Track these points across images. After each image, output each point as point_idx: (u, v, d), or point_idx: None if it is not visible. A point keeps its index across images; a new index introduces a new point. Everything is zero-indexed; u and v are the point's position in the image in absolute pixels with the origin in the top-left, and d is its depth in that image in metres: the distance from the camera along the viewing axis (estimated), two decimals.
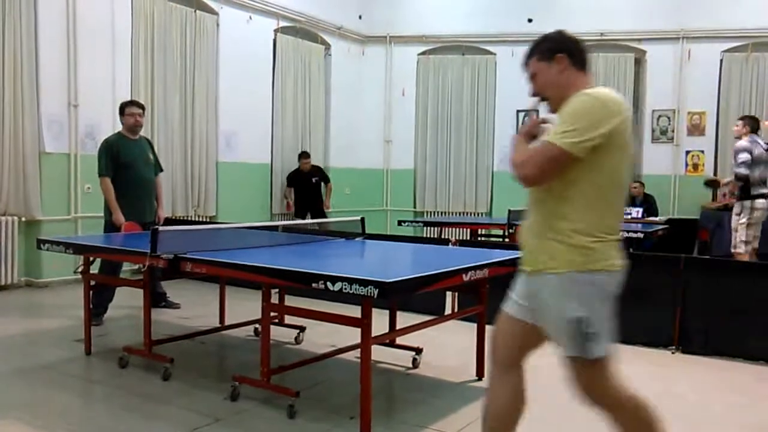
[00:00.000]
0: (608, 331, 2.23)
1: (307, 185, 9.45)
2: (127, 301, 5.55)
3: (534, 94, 2.38)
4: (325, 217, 9.30)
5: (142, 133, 5.72)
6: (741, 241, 6.03)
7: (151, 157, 5.66)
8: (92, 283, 4.51)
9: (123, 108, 5.58)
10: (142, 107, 5.70)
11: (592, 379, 2.30)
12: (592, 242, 2.16)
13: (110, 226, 5.34)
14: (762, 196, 6.10)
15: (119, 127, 7.32)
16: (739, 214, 6.14)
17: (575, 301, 2.16)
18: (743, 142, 6.25)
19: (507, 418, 2.45)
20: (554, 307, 2.21)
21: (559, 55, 2.26)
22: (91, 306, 5.12)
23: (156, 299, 5.61)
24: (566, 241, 2.17)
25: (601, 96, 2.15)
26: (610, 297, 2.24)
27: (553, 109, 2.29)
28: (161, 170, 5.90)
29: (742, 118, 6.67)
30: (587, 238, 2.15)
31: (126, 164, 5.38)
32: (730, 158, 7.06)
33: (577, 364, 2.26)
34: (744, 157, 6.11)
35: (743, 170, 6.09)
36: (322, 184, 9.61)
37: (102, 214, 5.52)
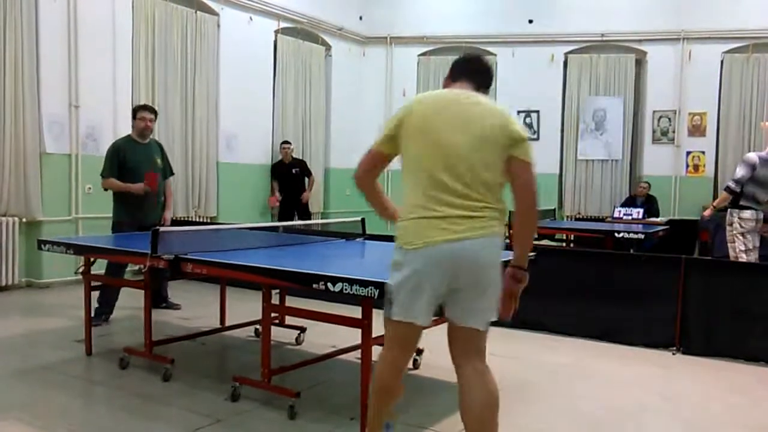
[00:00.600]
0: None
1: (287, 176, 9.25)
2: (128, 302, 5.55)
3: None
4: (310, 214, 9.18)
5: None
6: (741, 251, 5.92)
7: (159, 161, 5.62)
8: (93, 284, 4.51)
9: (135, 111, 5.59)
10: (155, 112, 5.68)
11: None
12: (401, 222, 2.48)
13: (118, 227, 5.35)
14: (749, 208, 5.93)
15: (120, 128, 7.41)
16: (731, 225, 6.05)
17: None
18: (752, 155, 6.10)
19: None
20: None
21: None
22: (97, 306, 5.16)
23: (158, 300, 5.62)
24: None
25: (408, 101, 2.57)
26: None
27: None
28: (172, 174, 5.90)
29: None
30: (401, 220, 2.49)
31: (132, 168, 5.38)
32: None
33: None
34: (741, 174, 5.92)
35: (733, 186, 5.94)
36: (306, 179, 9.42)
37: (110, 215, 5.54)
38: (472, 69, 2.70)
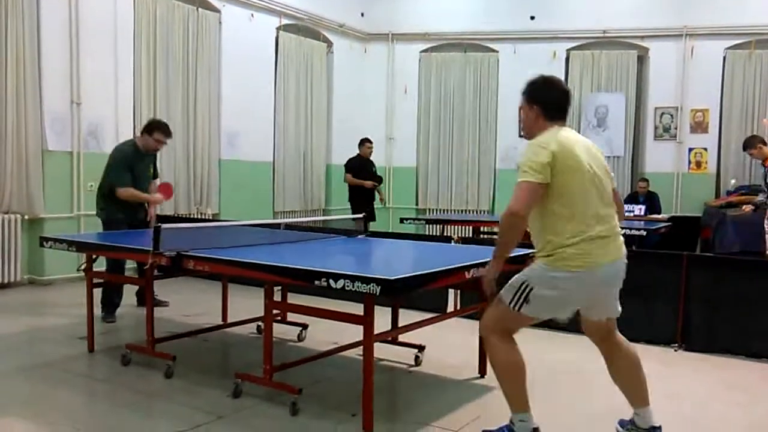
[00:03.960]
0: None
1: (369, 175, 8.96)
2: (130, 298, 5.57)
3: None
4: (374, 217, 8.85)
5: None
6: None
7: (151, 168, 5.70)
8: (95, 281, 4.51)
9: (153, 129, 5.47)
10: (170, 135, 5.69)
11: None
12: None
13: (114, 224, 5.33)
14: None
15: (122, 126, 7.42)
16: None
17: None
18: None
19: None
20: None
21: (535, 105, 2.90)
22: (103, 305, 5.16)
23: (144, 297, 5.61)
24: None
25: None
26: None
27: (525, 135, 3.04)
28: (156, 176, 5.88)
29: (748, 146, 6.47)
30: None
31: (133, 178, 5.41)
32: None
33: None
34: None
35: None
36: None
37: (94, 212, 5.56)
38: (565, 106, 2.98)
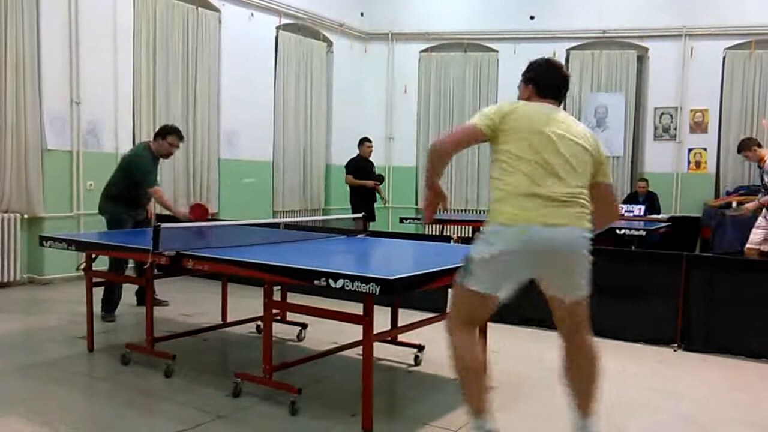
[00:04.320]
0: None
1: (370, 175, 8.95)
2: (129, 298, 5.56)
3: None
4: (374, 217, 8.81)
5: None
6: None
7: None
8: (95, 280, 4.51)
9: (166, 133, 5.52)
10: (183, 140, 5.81)
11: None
12: None
13: (120, 223, 5.32)
14: None
15: (121, 124, 7.42)
16: None
17: None
18: None
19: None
20: None
21: (530, 84, 2.85)
22: (102, 304, 5.16)
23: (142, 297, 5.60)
24: None
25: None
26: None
27: None
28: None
29: (743, 148, 6.47)
30: None
31: (140, 182, 5.42)
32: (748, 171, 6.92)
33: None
34: None
35: None
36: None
37: (94, 212, 5.54)
38: (559, 86, 2.89)
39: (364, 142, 9.02)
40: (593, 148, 2.73)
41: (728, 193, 9.81)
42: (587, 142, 2.71)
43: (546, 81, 2.84)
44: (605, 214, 2.83)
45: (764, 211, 6.29)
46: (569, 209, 2.56)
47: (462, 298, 2.68)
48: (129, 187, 5.35)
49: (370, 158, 9.14)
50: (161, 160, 5.73)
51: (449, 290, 5.22)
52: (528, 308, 5.29)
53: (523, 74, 2.91)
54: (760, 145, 6.42)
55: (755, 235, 6.29)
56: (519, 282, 2.63)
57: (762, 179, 6.39)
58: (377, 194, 9.08)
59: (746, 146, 6.41)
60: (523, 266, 2.59)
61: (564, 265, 2.62)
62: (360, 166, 8.87)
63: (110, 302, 5.26)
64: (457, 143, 2.74)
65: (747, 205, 6.57)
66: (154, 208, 5.99)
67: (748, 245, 6.33)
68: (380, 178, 9.06)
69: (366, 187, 8.79)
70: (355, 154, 8.98)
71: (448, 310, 2.79)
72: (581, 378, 2.77)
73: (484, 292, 2.59)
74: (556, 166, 2.58)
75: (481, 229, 2.65)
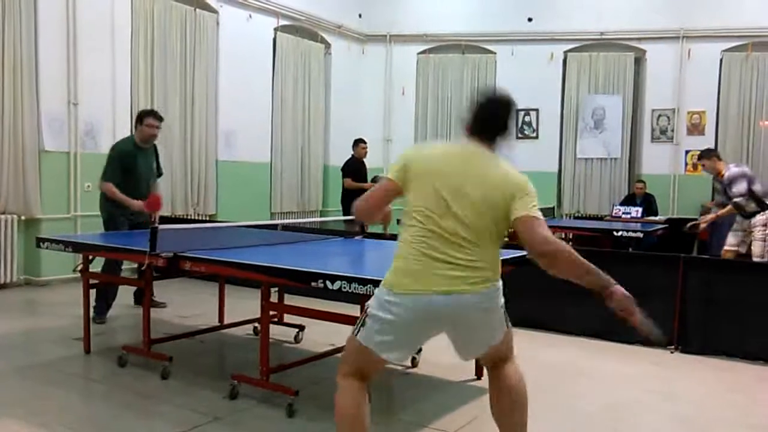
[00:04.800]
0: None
1: (362, 175, 8.84)
2: (126, 299, 5.56)
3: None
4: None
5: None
6: None
7: (154, 165, 5.67)
8: (92, 281, 4.50)
9: (142, 117, 5.48)
10: (162, 119, 5.63)
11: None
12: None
13: (112, 223, 5.32)
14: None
15: (119, 126, 7.41)
16: (765, 225, 6.16)
17: None
18: (738, 169, 6.23)
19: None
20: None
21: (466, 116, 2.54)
22: (95, 305, 5.15)
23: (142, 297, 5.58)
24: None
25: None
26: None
27: None
28: (161, 174, 5.91)
29: (703, 157, 6.46)
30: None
31: (135, 175, 5.38)
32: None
33: None
34: (741, 189, 6.10)
35: (742, 200, 6.12)
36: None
37: (91, 213, 5.51)
38: (491, 125, 2.53)
39: (359, 143, 8.95)
40: (505, 191, 2.37)
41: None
42: (497, 188, 2.37)
43: (479, 118, 2.52)
44: (548, 262, 2.36)
45: (738, 216, 6.32)
46: (462, 274, 2.30)
47: (351, 349, 2.49)
48: (116, 184, 5.29)
49: (364, 159, 9.09)
50: (159, 151, 5.71)
51: None
52: (522, 309, 5.30)
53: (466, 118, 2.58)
54: (719, 158, 6.47)
55: (731, 238, 6.35)
56: (414, 346, 2.56)
57: (724, 192, 6.41)
58: None
59: (707, 155, 6.47)
60: (420, 332, 2.45)
61: (467, 329, 2.47)
62: (356, 168, 8.84)
63: (102, 304, 5.22)
64: (378, 204, 2.60)
65: (702, 219, 6.65)
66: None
67: (725, 247, 6.37)
68: (377, 180, 8.95)
69: (363, 189, 8.68)
70: (350, 156, 8.92)
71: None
72: (506, 412, 2.60)
73: (372, 350, 2.38)
74: (449, 229, 2.32)
75: (381, 283, 2.42)
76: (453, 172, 2.38)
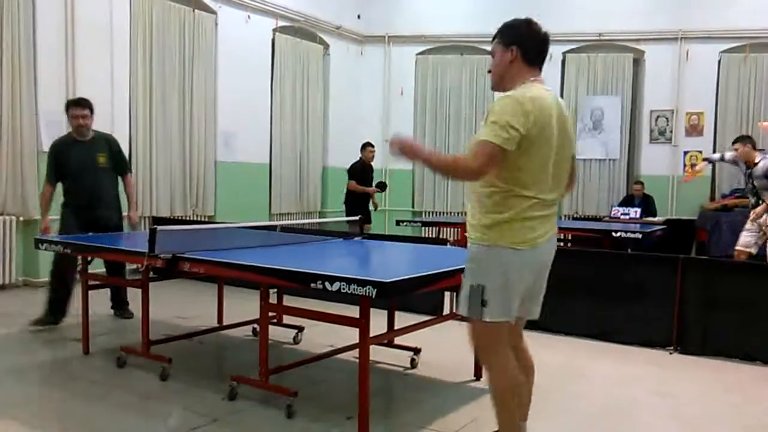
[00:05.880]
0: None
1: (368, 179, 8.80)
2: (133, 303, 5.55)
3: (489, 70, 2.65)
4: (370, 221, 8.66)
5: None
6: None
7: (103, 159, 5.15)
8: (90, 283, 4.50)
9: (66, 108, 5.15)
10: (89, 106, 5.14)
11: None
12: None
13: (66, 228, 5.08)
14: None
15: (117, 126, 7.39)
16: None
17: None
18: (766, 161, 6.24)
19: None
20: None
21: (513, 47, 2.50)
22: (48, 306, 5.01)
23: (117, 303, 5.44)
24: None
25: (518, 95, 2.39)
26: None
27: (492, 87, 2.66)
28: (127, 171, 5.43)
29: (738, 141, 6.55)
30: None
31: (70, 170, 5.05)
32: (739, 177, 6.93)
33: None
34: None
35: None
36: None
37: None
38: (546, 53, 2.57)
39: (366, 146, 8.82)
40: (569, 128, 2.55)
41: (724, 196, 9.84)
42: (568, 125, 2.54)
43: (534, 46, 2.51)
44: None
45: (751, 214, 6.32)
46: (555, 217, 2.55)
47: (484, 333, 2.51)
48: (57, 181, 5.09)
49: (371, 163, 9.00)
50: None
51: (445, 293, 5.23)
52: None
53: (501, 34, 2.55)
54: (755, 147, 6.45)
55: (744, 238, 6.32)
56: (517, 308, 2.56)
57: (750, 181, 6.40)
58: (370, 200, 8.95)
59: (743, 141, 6.45)
60: (523, 289, 2.51)
61: (544, 279, 2.64)
62: (362, 171, 8.72)
63: (56, 306, 5.02)
64: (486, 167, 2.33)
65: (758, 210, 6.47)
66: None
67: (737, 247, 6.36)
68: (382, 186, 8.87)
69: (366, 193, 8.69)
70: (357, 158, 8.81)
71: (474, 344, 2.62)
72: (528, 384, 2.75)
73: (502, 319, 2.46)
74: (552, 169, 2.46)
75: (482, 246, 2.44)
76: (557, 123, 2.45)
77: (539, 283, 2.62)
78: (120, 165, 5.36)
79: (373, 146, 8.91)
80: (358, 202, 8.56)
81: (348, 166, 8.84)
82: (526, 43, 2.50)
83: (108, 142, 5.30)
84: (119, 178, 5.35)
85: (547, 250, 2.55)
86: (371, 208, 8.91)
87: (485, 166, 2.30)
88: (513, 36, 2.52)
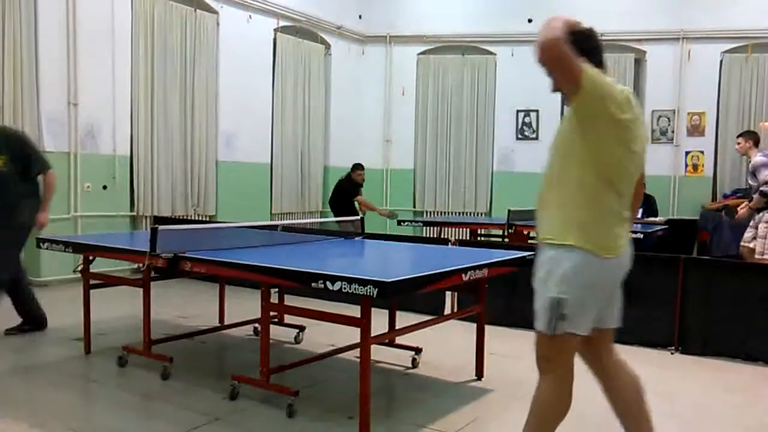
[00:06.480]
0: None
1: (353, 197, 8.95)
2: (126, 300, 5.55)
3: (548, 74, 2.39)
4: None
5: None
6: None
7: (5, 156, 4.60)
8: (92, 282, 4.50)
9: None
10: None
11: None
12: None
13: None
14: None
15: (119, 126, 7.43)
16: None
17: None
18: (762, 157, 6.24)
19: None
20: None
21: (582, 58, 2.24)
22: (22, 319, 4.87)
23: (24, 317, 4.92)
24: None
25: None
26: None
27: (554, 89, 2.43)
28: (45, 169, 4.86)
29: (742, 135, 6.59)
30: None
31: None
32: (743, 174, 6.90)
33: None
34: (766, 177, 6.09)
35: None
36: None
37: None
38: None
39: (356, 168, 8.87)
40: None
41: (725, 196, 9.83)
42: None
43: (597, 54, 2.40)
44: None
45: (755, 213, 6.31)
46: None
47: (556, 347, 2.36)
48: None
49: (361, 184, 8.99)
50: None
51: (446, 293, 5.23)
52: (521, 310, 5.30)
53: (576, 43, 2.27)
54: (758, 143, 6.45)
55: (748, 232, 6.35)
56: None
57: (750, 178, 6.41)
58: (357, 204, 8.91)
59: (745, 136, 6.48)
60: (608, 296, 2.40)
61: (619, 287, 2.51)
62: (349, 192, 8.79)
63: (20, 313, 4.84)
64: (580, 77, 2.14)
65: (740, 211, 6.53)
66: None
67: (742, 243, 6.38)
68: (393, 216, 8.98)
69: (352, 205, 8.75)
70: (345, 176, 8.87)
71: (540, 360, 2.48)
72: (630, 397, 2.55)
73: (578, 333, 2.31)
74: (632, 177, 2.36)
75: (564, 252, 2.27)
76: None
77: (618, 289, 2.50)
78: (31, 165, 4.75)
79: (362, 168, 8.91)
80: (347, 206, 8.67)
81: (348, 166, 8.89)
82: (591, 52, 2.42)
83: (6, 142, 4.65)
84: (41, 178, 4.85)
85: (629, 254, 2.43)
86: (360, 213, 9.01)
87: (580, 74, 2.13)
88: (578, 45, 2.34)
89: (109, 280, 5.07)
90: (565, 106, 2.41)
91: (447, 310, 5.15)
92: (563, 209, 2.29)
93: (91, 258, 4.34)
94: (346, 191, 8.80)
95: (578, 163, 2.24)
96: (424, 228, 10.13)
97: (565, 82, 2.22)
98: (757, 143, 6.45)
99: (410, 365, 4.20)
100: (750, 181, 6.41)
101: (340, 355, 4.11)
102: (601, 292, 2.33)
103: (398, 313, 4.31)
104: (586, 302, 2.29)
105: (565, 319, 2.27)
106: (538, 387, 2.43)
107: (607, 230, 2.28)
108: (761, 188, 6.07)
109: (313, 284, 2.93)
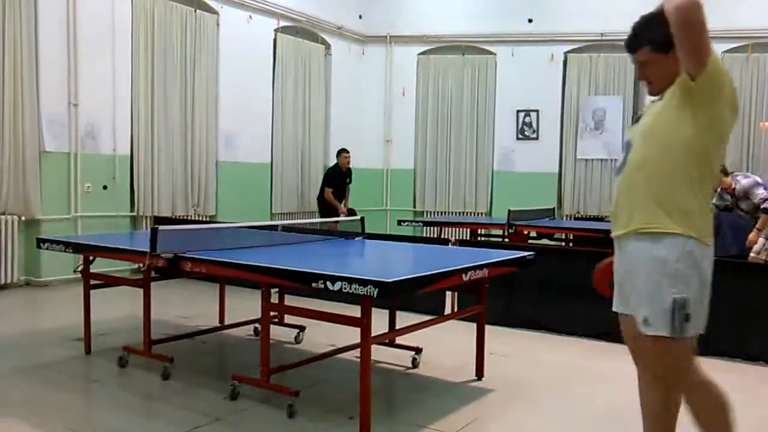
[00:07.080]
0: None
1: (342, 185, 9.39)
2: (126, 300, 5.55)
3: (643, 79, 2.38)
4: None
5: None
6: None
7: None
8: (92, 282, 4.50)
9: None
10: None
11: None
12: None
13: None
14: None
15: (119, 127, 7.44)
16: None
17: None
18: (748, 180, 6.22)
19: None
20: None
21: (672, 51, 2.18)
22: None
23: None
24: None
25: None
26: None
27: (656, 93, 2.33)
28: None
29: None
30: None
31: None
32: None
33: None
34: (764, 193, 6.08)
35: None
36: (348, 186, 9.61)
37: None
38: None
39: (341, 153, 9.37)
40: None
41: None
42: None
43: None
44: None
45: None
46: None
47: (683, 351, 2.25)
48: None
49: (349, 167, 9.46)
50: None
51: (447, 293, 5.23)
52: (524, 310, 5.30)
53: (655, 39, 2.35)
54: (726, 173, 6.47)
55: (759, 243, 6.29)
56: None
57: (737, 205, 6.39)
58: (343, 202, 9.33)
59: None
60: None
61: None
62: (337, 177, 9.27)
63: None
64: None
65: (750, 236, 6.42)
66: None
67: (752, 254, 6.29)
68: (352, 213, 9.07)
69: (333, 206, 9.14)
70: (333, 164, 9.33)
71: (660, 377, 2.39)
72: (719, 412, 2.45)
73: (698, 333, 2.19)
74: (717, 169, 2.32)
75: (657, 247, 2.16)
76: None
77: None
78: None
79: (348, 152, 9.38)
80: (329, 207, 9.14)
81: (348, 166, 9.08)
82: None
83: None
84: None
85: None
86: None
87: (710, 53, 2.12)
88: (667, 38, 2.25)
89: (109, 281, 5.07)
90: (649, 97, 2.34)
91: (447, 310, 5.15)
92: (662, 197, 2.14)
93: (91, 258, 4.34)
94: (328, 180, 9.27)
95: (684, 149, 2.11)
96: (425, 228, 10.13)
97: (693, 56, 2.11)
98: (726, 173, 6.45)
99: (410, 365, 4.20)
100: (742, 206, 6.36)
101: (341, 355, 4.11)
102: (708, 282, 2.22)
103: (398, 313, 4.31)
104: (704, 295, 2.21)
105: (689, 320, 2.15)
106: (691, 410, 2.30)
107: (707, 217, 2.19)
108: (762, 206, 6.05)
109: (314, 284, 2.93)
